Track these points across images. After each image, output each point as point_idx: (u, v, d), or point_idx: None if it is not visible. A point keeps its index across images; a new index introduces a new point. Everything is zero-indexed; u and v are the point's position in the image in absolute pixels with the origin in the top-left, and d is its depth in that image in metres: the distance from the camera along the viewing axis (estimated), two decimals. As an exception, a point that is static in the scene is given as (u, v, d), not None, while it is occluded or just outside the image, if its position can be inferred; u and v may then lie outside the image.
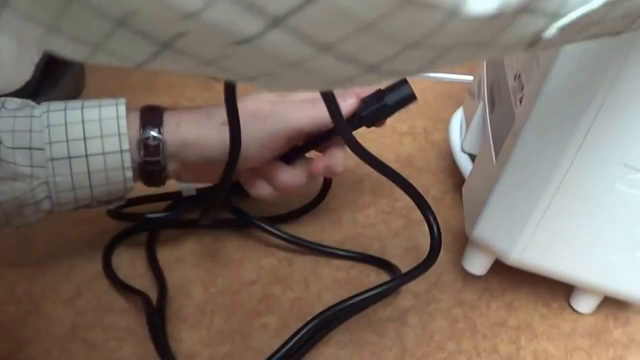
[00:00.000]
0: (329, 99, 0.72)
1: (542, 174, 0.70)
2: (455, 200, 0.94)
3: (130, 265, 0.83)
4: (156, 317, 0.76)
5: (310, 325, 0.74)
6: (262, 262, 0.85)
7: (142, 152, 0.74)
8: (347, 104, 0.78)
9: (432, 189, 0.97)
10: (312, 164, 0.80)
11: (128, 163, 0.72)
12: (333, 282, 0.83)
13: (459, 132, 0.97)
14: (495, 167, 0.74)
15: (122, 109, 0.73)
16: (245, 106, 0.74)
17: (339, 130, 0.74)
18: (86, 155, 0.71)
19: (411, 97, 0.80)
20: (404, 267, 0.83)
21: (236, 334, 0.76)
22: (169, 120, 0.75)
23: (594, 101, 0.65)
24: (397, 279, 0.81)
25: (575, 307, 0.82)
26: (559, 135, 0.68)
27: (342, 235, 0.90)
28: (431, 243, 0.79)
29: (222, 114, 0.73)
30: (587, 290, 0.80)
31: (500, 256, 0.77)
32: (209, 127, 0.76)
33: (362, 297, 0.78)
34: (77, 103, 0.73)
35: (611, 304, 0.81)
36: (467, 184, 0.86)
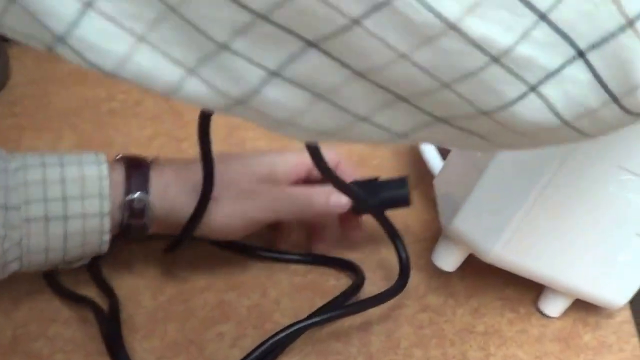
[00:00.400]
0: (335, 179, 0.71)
1: (531, 169, 0.68)
2: (412, 200, 0.90)
3: (72, 273, 0.77)
4: (111, 326, 0.70)
5: (273, 341, 0.70)
6: (214, 268, 0.80)
7: (125, 214, 0.71)
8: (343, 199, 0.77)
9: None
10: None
11: (107, 227, 0.69)
12: (291, 287, 0.79)
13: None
14: (479, 159, 0.71)
15: (104, 168, 0.69)
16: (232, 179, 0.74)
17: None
18: (65, 217, 0.67)
19: (406, 202, 0.80)
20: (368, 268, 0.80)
21: (191, 344, 0.72)
22: (155, 181, 0.72)
23: None
24: (367, 302, 0.76)
25: (543, 310, 0.78)
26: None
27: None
28: (400, 268, 0.77)
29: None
30: (563, 292, 0.77)
31: (479, 252, 0.72)
32: (190, 198, 0.73)
33: (328, 315, 0.74)
34: (54, 158, 0.69)
35: (579, 308, 0.78)
36: (443, 176, 0.82)
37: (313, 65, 0.36)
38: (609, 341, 0.77)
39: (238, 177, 0.72)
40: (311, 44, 0.35)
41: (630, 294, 0.76)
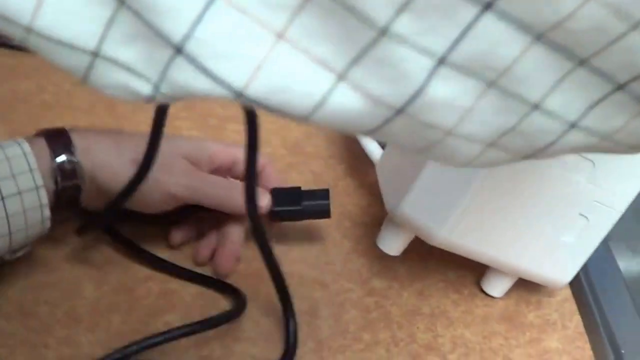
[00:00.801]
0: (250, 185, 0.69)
1: None
2: (349, 186, 0.89)
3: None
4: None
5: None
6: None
7: (59, 179, 0.69)
8: (264, 201, 0.77)
9: (324, 175, 0.91)
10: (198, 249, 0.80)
11: (45, 200, 0.67)
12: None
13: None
14: None
15: (26, 146, 0.68)
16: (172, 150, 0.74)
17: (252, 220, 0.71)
18: (2, 198, 0.65)
19: (326, 213, 0.79)
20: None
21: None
22: (79, 142, 0.71)
23: None
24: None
25: (487, 290, 0.79)
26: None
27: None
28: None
29: (132, 150, 0.72)
30: (507, 273, 0.77)
31: (426, 236, 0.72)
32: (118, 161, 0.72)
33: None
34: None
35: (520, 288, 0.79)
36: (386, 160, 0.82)
37: (489, 34, 0.30)
38: (552, 319, 0.78)
39: (162, 151, 0.70)
40: (488, 6, 0.30)
41: (573, 273, 0.77)
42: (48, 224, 0.69)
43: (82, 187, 0.71)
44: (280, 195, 0.79)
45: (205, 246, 0.79)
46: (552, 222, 0.73)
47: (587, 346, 0.76)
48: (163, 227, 0.80)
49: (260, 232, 0.71)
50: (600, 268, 0.82)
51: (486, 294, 0.79)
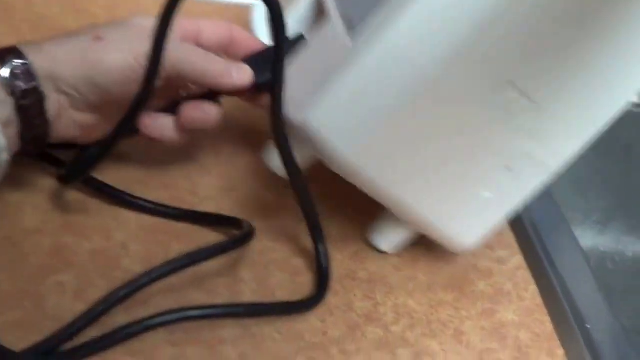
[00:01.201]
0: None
1: (411, 67, 0.56)
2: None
3: None
4: None
5: (125, 292, 0.57)
6: (46, 206, 0.66)
7: (16, 83, 0.59)
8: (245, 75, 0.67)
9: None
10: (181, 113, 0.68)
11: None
12: (140, 229, 0.67)
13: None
14: (349, 47, 0.59)
15: None
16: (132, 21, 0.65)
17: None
18: None
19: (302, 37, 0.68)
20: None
21: (27, 296, 0.58)
22: (26, 48, 0.61)
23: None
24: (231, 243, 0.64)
25: (374, 241, 0.69)
26: (446, 26, 0.55)
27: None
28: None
29: (94, 29, 0.64)
30: (407, 222, 0.67)
31: (328, 155, 0.61)
32: (78, 43, 0.62)
33: (189, 261, 0.60)
34: None
35: (467, 254, 0.70)
36: (298, 63, 0.67)
37: None
38: (506, 289, 0.69)
39: (135, 23, 0.63)
40: None
41: (480, 236, 0.67)
42: (5, 156, 0.58)
43: (44, 93, 0.60)
44: (258, 62, 0.68)
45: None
46: (472, 170, 0.63)
47: (547, 319, 0.67)
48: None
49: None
50: (556, 238, 0.73)
51: (376, 248, 0.70)
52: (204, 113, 0.67)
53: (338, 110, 0.59)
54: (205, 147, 0.76)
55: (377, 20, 0.57)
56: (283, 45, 0.57)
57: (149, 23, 0.61)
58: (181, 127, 0.67)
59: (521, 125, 0.61)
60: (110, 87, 0.62)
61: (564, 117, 0.61)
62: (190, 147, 0.75)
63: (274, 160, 0.63)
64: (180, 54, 0.63)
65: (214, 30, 0.70)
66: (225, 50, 0.71)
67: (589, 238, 1.16)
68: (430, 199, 0.64)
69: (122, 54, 0.62)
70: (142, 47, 0.60)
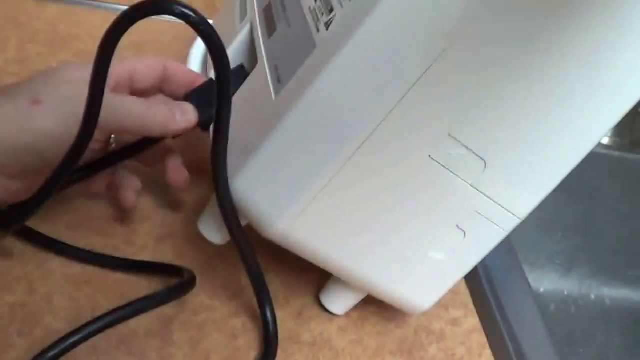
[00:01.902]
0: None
1: (342, 124, 0.52)
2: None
3: None
4: None
5: (50, 355, 0.51)
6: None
7: None
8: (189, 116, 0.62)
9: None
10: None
11: None
12: (67, 281, 0.61)
13: (200, 66, 0.77)
14: (274, 104, 0.55)
15: None
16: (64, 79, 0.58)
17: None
18: None
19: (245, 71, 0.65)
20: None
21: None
22: None
23: (432, 48, 0.49)
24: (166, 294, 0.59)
25: (325, 303, 0.65)
26: (376, 81, 0.51)
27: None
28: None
29: (31, 90, 0.57)
30: (356, 287, 0.62)
31: (259, 224, 0.56)
32: (14, 108, 0.56)
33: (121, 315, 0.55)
34: None
35: (420, 315, 0.65)
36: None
37: None
38: (458, 353, 0.64)
39: (72, 78, 0.57)
40: None
41: (435, 299, 0.62)
42: None
43: None
44: (199, 98, 0.63)
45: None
46: (420, 231, 0.58)
47: (501, 390, 0.63)
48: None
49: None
50: (515, 297, 0.69)
51: (325, 310, 0.65)
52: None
53: (265, 176, 0.54)
54: (144, 189, 0.71)
55: (305, 75, 0.53)
56: (226, 99, 0.53)
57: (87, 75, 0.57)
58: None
59: (469, 183, 0.56)
60: (50, 153, 0.56)
61: (517, 171, 0.57)
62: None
63: (209, 228, 0.59)
64: (117, 110, 0.58)
65: (146, 69, 0.65)
66: (161, 88, 0.67)
67: (552, 281, 1.13)
68: (377, 263, 0.59)
69: (62, 118, 0.56)
70: (82, 107, 0.56)
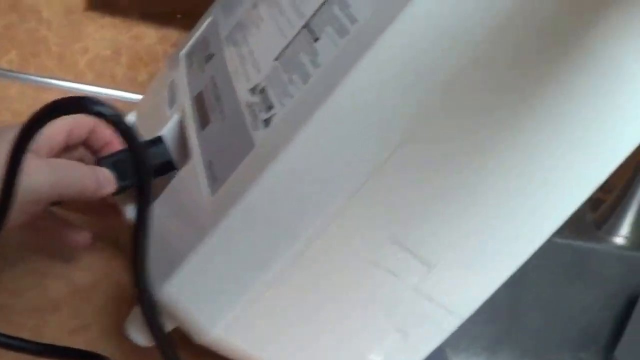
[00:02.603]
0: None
1: (282, 228, 0.50)
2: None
3: None
4: None
5: None
6: None
7: None
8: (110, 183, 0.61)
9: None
10: None
11: None
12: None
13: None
14: (210, 204, 0.52)
15: None
16: None
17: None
18: None
19: (172, 166, 0.63)
20: None
21: None
22: None
23: (378, 152, 0.47)
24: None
25: None
26: (320, 185, 0.48)
27: None
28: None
29: None
30: None
31: (192, 330, 0.53)
32: None
33: None
34: None
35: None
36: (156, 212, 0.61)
37: None
38: None
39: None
40: None
41: None
42: None
43: None
44: (116, 163, 0.61)
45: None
46: (359, 334, 0.56)
47: None
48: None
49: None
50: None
51: None
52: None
53: (199, 280, 0.51)
54: (57, 274, 0.67)
55: (244, 177, 0.50)
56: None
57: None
58: None
59: (412, 286, 0.54)
60: None
61: (462, 274, 0.55)
62: (39, 274, 0.66)
63: (135, 330, 0.55)
64: (54, 177, 0.56)
65: (82, 124, 0.64)
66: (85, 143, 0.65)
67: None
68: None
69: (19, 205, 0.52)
70: (38, 174, 0.54)
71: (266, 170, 0.48)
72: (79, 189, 0.58)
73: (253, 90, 0.55)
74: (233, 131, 0.55)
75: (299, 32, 0.53)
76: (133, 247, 0.50)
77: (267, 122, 0.51)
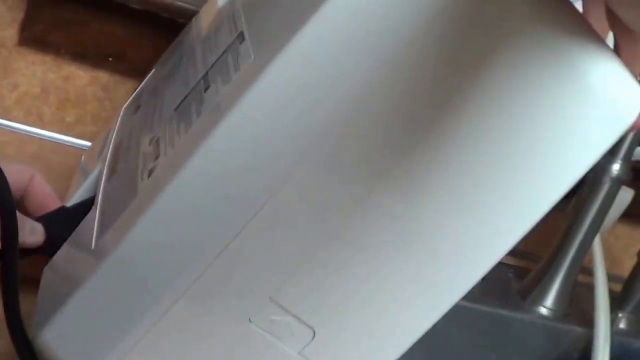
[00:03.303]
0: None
1: (156, 280, 0.48)
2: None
3: None
4: None
5: None
6: None
7: None
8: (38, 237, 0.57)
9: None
10: None
11: None
12: None
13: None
14: (92, 252, 0.51)
15: None
16: None
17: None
18: None
19: None
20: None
21: None
22: None
23: (253, 201, 0.46)
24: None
25: None
26: (191, 235, 0.47)
27: None
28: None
29: None
30: None
31: None
32: None
33: None
34: None
35: None
36: (51, 264, 0.58)
37: None
38: None
39: None
40: None
41: None
42: None
43: None
44: (49, 223, 0.59)
45: None
46: None
47: None
48: None
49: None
50: None
51: None
52: None
53: (74, 329, 0.50)
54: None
55: (122, 225, 0.49)
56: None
57: None
58: None
59: (296, 352, 0.51)
60: None
61: (351, 341, 0.51)
62: None
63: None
64: None
65: (14, 176, 0.60)
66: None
67: None
68: None
69: None
70: None
71: (140, 219, 0.47)
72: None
73: (150, 141, 0.54)
74: (126, 181, 0.53)
75: (198, 82, 0.53)
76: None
77: (150, 172, 0.50)
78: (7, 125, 0.89)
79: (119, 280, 0.48)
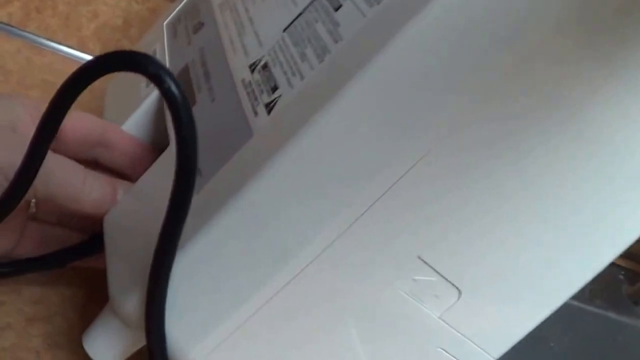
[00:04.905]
0: None
1: (281, 242, 0.40)
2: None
3: None
4: None
5: None
6: None
7: None
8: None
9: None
10: None
11: None
12: None
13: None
14: (192, 206, 0.41)
15: None
16: None
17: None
18: None
19: None
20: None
21: None
22: None
23: (409, 153, 0.38)
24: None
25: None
26: (332, 189, 0.39)
27: None
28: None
29: None
30: None
31: (171, 350, 0.43)
32: None
33: None
34: None
35: None
36: (116, 216, 0.49)
37: None
38: None
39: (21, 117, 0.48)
40: None
41: None
42: None
43: None
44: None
45: None
46: None
47: None
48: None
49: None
50: None
51: None
52: None
53: (178, 298, 0.42)
54: None
55: (237, 173, 0.41)
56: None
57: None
58: None
59: (437, 315, 0.44)
60: None
61: (497, 304, 0.45)
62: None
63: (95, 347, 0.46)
64: (50, 173, 0.46)
65: (81, 131, 0.52)
66: (95, 156, 0.54)
67: None
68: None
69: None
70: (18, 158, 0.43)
71: (266, 168, 0.38)
72: (78, 197, 0.47)
73: (253, 67, 0.46)
74: (225, 115, 0.45)
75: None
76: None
77: (269, 107, 0.41)
78: (80, 58, 0.80)
79: (232, 243, 0.40)
